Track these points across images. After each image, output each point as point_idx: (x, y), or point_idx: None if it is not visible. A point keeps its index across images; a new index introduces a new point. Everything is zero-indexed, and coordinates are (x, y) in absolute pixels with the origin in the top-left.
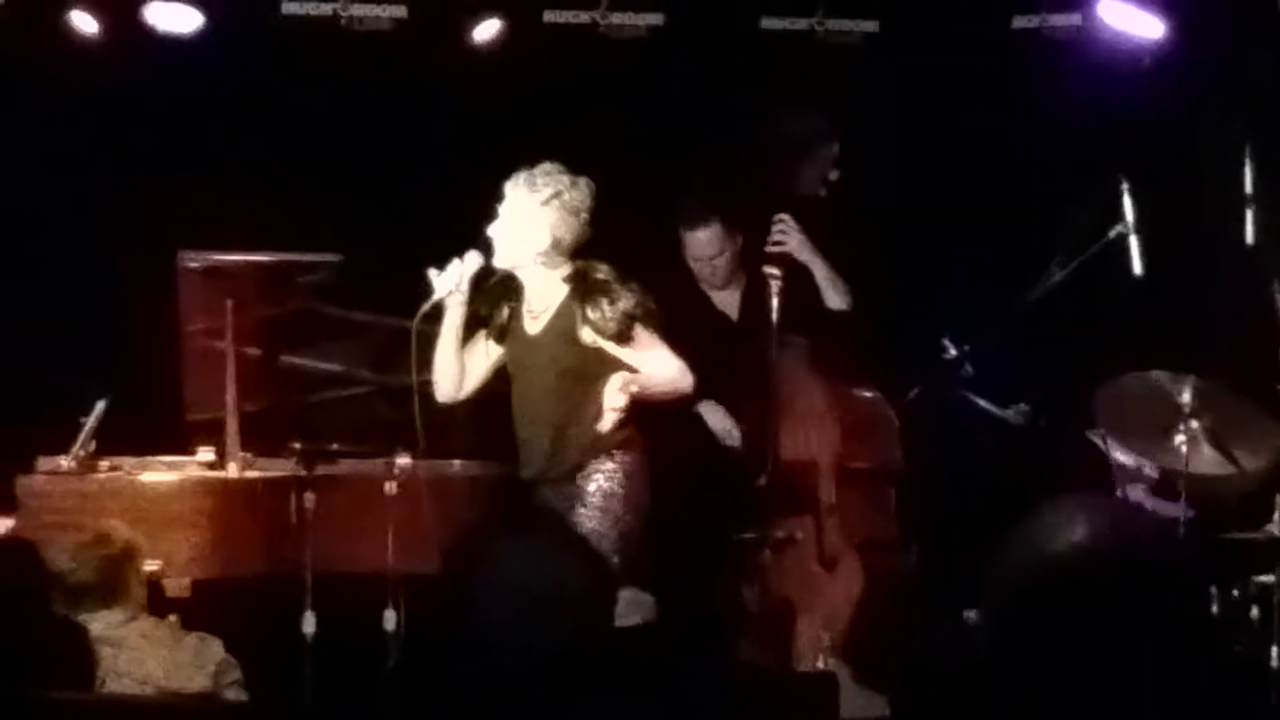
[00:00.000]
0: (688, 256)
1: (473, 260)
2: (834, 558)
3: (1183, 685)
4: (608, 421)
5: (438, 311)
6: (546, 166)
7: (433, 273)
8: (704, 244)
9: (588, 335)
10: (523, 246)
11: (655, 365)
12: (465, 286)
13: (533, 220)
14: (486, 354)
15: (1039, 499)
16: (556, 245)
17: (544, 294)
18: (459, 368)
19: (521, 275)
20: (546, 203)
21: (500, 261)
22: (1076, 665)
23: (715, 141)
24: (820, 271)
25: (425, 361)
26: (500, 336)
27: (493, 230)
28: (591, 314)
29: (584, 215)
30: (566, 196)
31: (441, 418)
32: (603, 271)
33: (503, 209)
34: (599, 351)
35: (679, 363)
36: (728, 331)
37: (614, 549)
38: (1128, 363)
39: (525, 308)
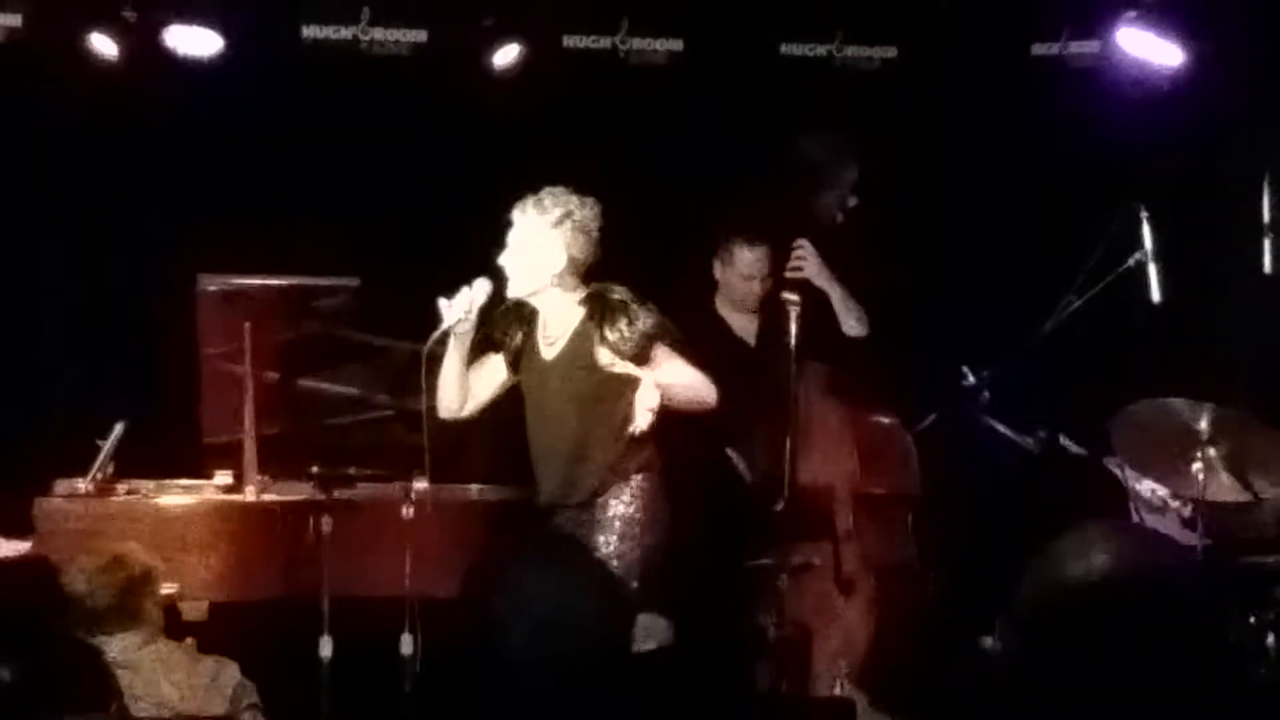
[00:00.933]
0: (730, 275)
1: (481, 288)
2: (851, 584)
3: (1200, 711)
4: (643, 422)
5: (446, 339)
6: (552, 189)
7: (443, 302)
8: (754, 263)
9: (605, 357)
10: (538, 271)
11: (677, 377)
12: (474, 314)
13: (546, 243)
14: (494, 377)
15: (1057, 526)
16: (571, 266)
17: (560, 319)
18: (461, 389)
19: (536, 301)
20: (558, 224)
21: (515, 290)
22: (1095, 691)
23: (747, 168)
24: (837, 298)
25: (434, 388)
26: (515, 362)
27: (504, 259)
28: (610, 335)
29: (595, 234)
30: (577, 216)
31: (459, 443)
32: (619, 293)
33: (512, 236)
34: (615, 376)
35: (701, 375)
36: (745, 357)
37: (632, 574)
38: (1146, 389)
39: (541, 333)
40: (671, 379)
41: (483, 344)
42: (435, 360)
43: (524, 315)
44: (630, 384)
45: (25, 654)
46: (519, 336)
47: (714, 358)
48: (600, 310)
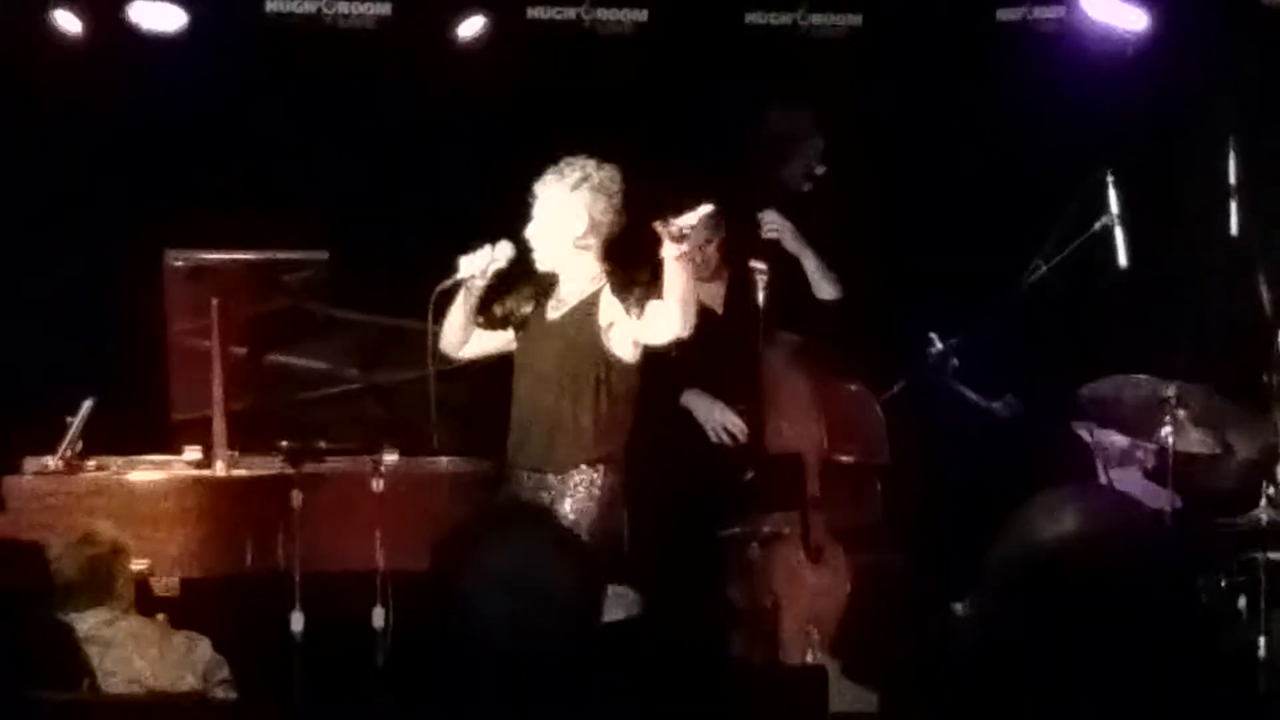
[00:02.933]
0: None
1: (503, 250)
2: (821, 552)
3: (1172, 675)
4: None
5: (457, 289)
6: (570, 157)
7: (464, 257)
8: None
9: (605, 316)
10: (561, 236)
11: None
12: (489, 274)
13: (566, 207)
14: (501, 334)
15: (1026, 491)
16: (594, 228)
17: (574, 285)
18: (464, 335)
19: (558, 269)
20: (576, 187)
21: (542, 261)
22: (1066, 655)
23: (701, 134)
24: (810, 262)
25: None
26: (521, 324)
27: (530, 231)
28: (623, 295)
29: (616, 198)
30: (595, 178)
31: (428, 415)
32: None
33: (536, 208)
34: (606, 357)
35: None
36: (711, 325)
37: (592, 544)
38: (1114, 354)
39: (553, 298)
40: (655, 328)
41: (490, 298)
42: (441, 306)
43: (544, 283)
44: (620, 371)
45: None
46: (532, 302)
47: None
48: (621, 279)
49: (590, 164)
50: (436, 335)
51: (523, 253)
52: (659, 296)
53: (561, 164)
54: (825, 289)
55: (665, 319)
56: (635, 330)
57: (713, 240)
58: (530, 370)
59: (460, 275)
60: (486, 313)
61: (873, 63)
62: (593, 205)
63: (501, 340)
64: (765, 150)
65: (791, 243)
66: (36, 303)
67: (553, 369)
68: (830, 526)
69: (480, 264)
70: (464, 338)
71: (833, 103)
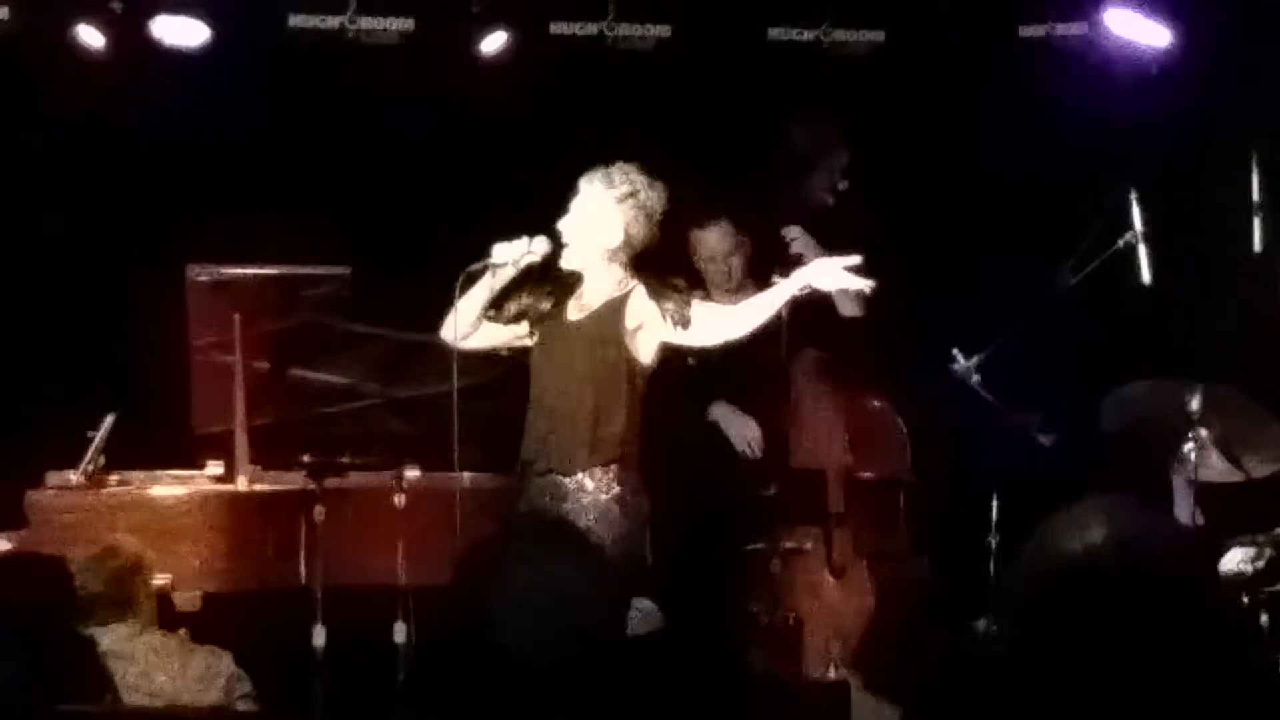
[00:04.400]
0: (699, 260)
1: (540, 246)
2: (843, 568)
3: (1201, 691)
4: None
5: (485, 271)
6: (624, 165)
7: (499, 244)
8: (714, 242)
9: (633, 319)
10: (594, 243)
11: (714, 326)
12: (520, 265)
13: (606, 215)
14: (511, 327)
15: (1049, 507)
16: (627, 244)
17: (598, 290)
18: (474, 322)
19: (584, 270)
20: (622, 200)
21: (568, 258)
22: (1091, 670)
23: (724, 149)
24: None
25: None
26: (539, 319)
27: (563, 224)
28: (667, 305)
29: (656, 218)
30: (643, 196)
31: (450, 430)
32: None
33: (575, 204)
34: (628, 359)
35: (728, 313)
36: (734, 343)
37: (614, 556)
38: (1137, 370)
39: (574, 299)
40: (711, 330)
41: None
42: (466, 287)
43: (566, 283)
44: (639, 374)
45: (19, 647)
46: (552, 300)
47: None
48: (657, 285)
49: (641, 180)
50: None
51: (552, 248)
52: (699, 299)
53: (614, 169)
54: (848, 306)
55: (728, 325)
56: (673, 334)
57: (736, 252)
58: (550, 372)
59: (493, 260)
60: (501, 307)
61: (895, 79)
62: (632, 223)
63: (508, 335)
64: (788, 165)
65: (810, 251)
66: (59, 318)
67: (574, 370)
68: (853, 542)
69: (515, 253)
70: (474, 326)
71: (855, 119)
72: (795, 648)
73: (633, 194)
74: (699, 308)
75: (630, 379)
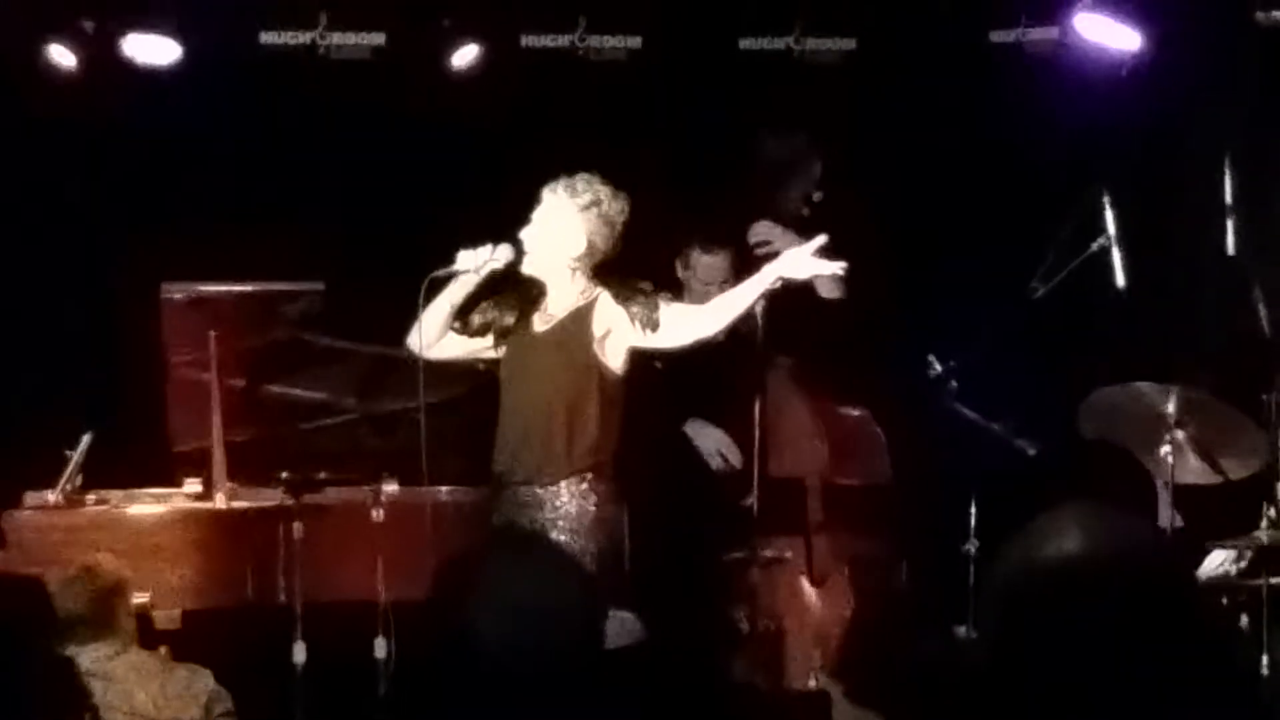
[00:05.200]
0: (691, 279)
1: (503, 252)
2: (823, 576)
3: (1177, 695)
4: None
5: (451, 279)
6: (587, 175)
7: (463, 251)
8: (713, 270)
9: (600, 326)
10: (556, 252)
11: (683, 327)
12: (484, 272)
13: (569, 226)
14: (476, 340)
15: (1028, 512)
16: (590, 253)
17: (562, 300)
18: (440, 330)
19: (546, 280)
20: (585, 209)
21: (530, 266)
22: (1069, 675)
23: (696, 160)
24: None
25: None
26: (504, 332)
27: (526, 234)
28: (634, 309)
29: (619, 228)
30: (605, 206)
31: (429, 445)
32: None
33: (537, 214)
34: (594, 368)
35: (700, 312)
36: (710, 351)
37: (591, 567)
38: (1112, 374)
39: (539, 311)
40: (681, 331)
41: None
42: (430, 294)
43: (530, 295)
44: (610, 383)
45: None
46: (516, 312)
47: (679, 355)
48: (621, 290)
49: (605, 190)
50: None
51: (515, 257)
52: (666, 301)
53: (577, 179)
54: (827, 288)
55: (699, 323)
56: (642, 338)
57: (729, 280)
58: (520, 383)
59: (456, 267)
60: (465, 318)
61: (867, 87)
62: (595, 232)
63: (475, 346)
64: (761, 176)
65: (787, 243)
66: (32, 336)
67: (543, 381)
68: (833, 550)
69: (478, 260)
70: (440, 334)
71: (828, 127)
72: (776, 657)
73: (596, 203)
74: (667, 310)
75: (601, 387)
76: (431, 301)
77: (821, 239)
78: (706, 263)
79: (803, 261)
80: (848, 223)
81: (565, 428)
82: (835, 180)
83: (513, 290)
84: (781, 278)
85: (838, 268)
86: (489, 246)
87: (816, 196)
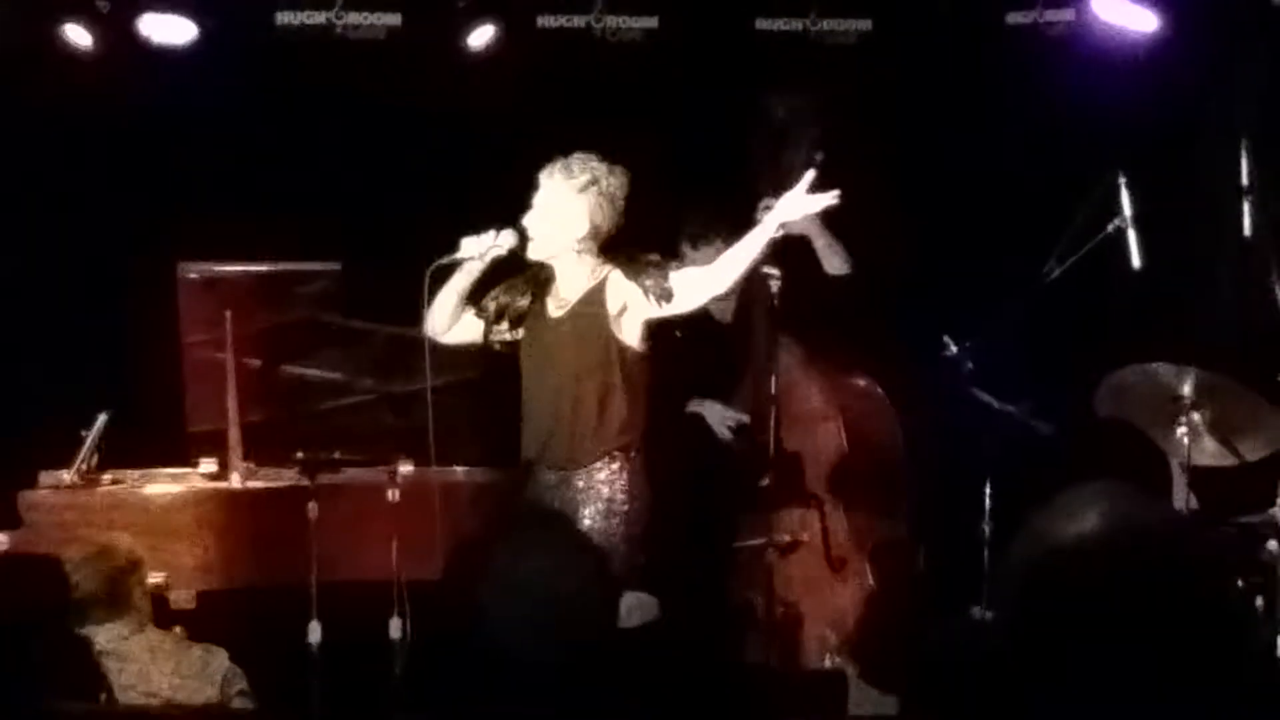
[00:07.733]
0: (699, 260)
1: (506, 238)
2: (839, 557)
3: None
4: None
5: (455, 267)
6: (581, 155)
7: (466, 238)
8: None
9: (614, 303)
10: (560, 235)
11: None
12: (488, 258)
13: (570, 207)
14: (488, 321)
15: (1043, 493)
16: (594, 233)
17: (573, 283)
18: (453, 316)
19: (554, 264)
20: (584, 190)
21: (535, 252)
22: (1086, 657)
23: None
24: (819, 238)
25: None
26: (519, 319)
27: (528, 220)
28: (648, 282)
29: (620, 203)
30: (604, 183)
31: (445, 424)
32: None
33: (537, 198)
34: (613, 347)
35: (706, 273)
36: (722, 334)
37: (616, 550)
38: (1129, 356)
39: (551, 295)
40: (694, 294)
41: (482, 287)
42: (436, 282)
43: (540, 279)
44: (632, 360)
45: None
46: (529, 297)
47: (690, 337)
48: (631, 265)
49: (601, 167)
50: (430, 310)
51: (519, 243)
52: (674, 268)
53: (572, 160)
54: (835, 263)
55: (710, 283)
56: (658, 309)
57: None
58: (542, 371)
59: (460, 255)
60: (479, 303)
61: (882, 67)
62: (596, 211)
63: (493, 330)
64: (764, 140)
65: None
66: (49, 317)
67: (566, 366)
68: (848, 531)
69: (481, 247)
70: (452, 320)
71: (843, 108)
72: (792, 638)
73: (594, 182)
74: (677, 276)
75: (623, 365)
76: (438, 289)
77: (811, 173)
78: (711, 251)
79: (798, 201)
80: (861, 203)
81: (594, 411)
82: (849, 162)
83: (523, 278)
84: (781, 224)
85: (831, 198)
86: (492, 232)
87: (819, 158)
